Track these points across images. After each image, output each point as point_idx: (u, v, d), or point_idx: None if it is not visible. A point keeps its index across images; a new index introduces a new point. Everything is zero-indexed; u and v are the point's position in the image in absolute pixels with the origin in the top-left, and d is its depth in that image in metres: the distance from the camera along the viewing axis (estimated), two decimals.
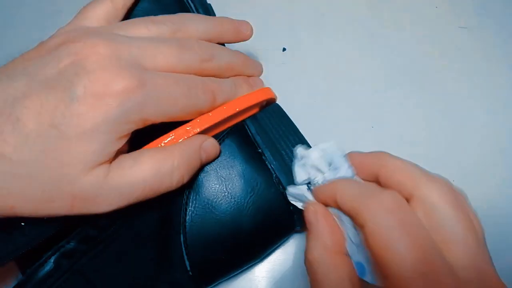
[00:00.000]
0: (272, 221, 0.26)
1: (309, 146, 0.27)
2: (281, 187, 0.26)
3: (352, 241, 0.21)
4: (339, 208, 0.21)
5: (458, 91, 0.38)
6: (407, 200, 0.20)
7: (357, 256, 0.21)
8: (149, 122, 0.22)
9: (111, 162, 0.22)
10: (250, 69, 0.29)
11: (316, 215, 0.22)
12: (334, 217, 0.22)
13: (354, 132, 0.36)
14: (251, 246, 0.26)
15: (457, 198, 0.20)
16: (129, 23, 0.25)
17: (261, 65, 0.30)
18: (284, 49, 0.39)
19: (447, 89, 0.38)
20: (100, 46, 0.21)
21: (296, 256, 0.32)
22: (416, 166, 0.21)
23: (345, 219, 0.21)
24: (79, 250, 0.25)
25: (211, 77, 0.25)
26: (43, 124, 0.20)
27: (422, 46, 0.39)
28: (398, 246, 0.17)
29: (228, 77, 0.27)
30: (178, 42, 0.24)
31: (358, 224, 0.19)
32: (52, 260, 0.24)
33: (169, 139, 0.24)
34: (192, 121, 0.25)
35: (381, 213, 0.18)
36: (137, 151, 0.23)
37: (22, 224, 0.24)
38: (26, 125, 0.20)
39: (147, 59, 0.23)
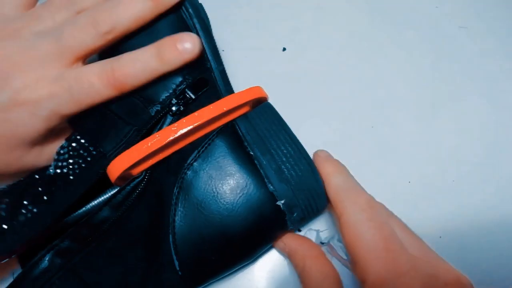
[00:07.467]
0: (262, 221, 0.26)
1: (299, 145, 0.27)
2: (271, 187, 0.26)
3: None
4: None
5: (458, 92, 0.37)
6: None
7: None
8: None
9: None
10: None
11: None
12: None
13: (354, 132, 0.36)
14: (241, 246, 0.26)
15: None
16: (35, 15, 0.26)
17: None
18: (284, 49, 0.39)
19: (447, 89, 0.37)
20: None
21: None
22: None
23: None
24: (72, 248, 0.25)
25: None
26: None
27: (422, 46, 0.39)
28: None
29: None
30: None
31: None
32: (47, 258, 0.25)
33: (155, 140, 0.24)
34: (178, 121, 0.25)
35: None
36: None
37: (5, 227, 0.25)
38: None
39: None
